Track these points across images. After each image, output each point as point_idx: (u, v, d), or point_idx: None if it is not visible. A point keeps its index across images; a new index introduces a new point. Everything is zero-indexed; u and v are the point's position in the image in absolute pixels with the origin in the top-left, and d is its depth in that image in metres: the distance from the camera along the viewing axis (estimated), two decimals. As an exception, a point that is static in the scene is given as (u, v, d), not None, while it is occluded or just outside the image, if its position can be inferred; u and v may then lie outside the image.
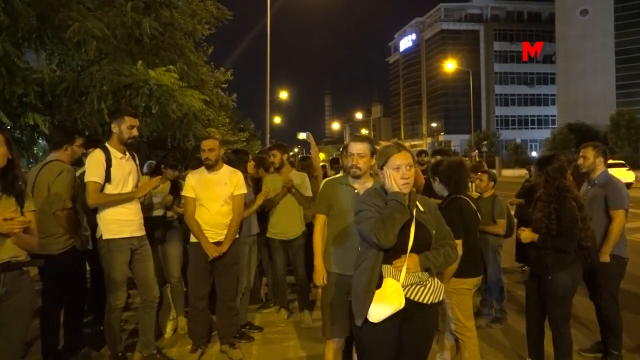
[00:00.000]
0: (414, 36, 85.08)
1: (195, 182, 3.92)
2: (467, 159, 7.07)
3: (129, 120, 3.62)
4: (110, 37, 5.92)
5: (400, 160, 2.35)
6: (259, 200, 4.54)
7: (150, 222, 4.38)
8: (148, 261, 3.76)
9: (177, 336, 4.54)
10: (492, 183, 4.89)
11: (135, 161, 3.81)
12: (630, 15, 53.63)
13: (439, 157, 4.98)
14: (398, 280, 2.29)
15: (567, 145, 42.40)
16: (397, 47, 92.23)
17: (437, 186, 3.64)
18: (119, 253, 3.56)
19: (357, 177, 3.06)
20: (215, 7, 9.69)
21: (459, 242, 3.23)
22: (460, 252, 3.22)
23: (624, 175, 23.80)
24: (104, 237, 3.55)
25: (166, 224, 4.50)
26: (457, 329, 3.38)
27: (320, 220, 3.24)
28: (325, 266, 3.18)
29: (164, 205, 4.45)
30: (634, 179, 24.54)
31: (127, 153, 3.72)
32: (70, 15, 5.65)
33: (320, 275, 3.16)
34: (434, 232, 2.44)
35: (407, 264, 2.30)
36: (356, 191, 3.07)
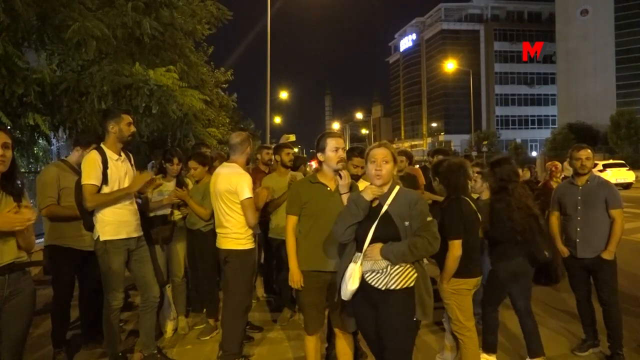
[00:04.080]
0: (414, 36, 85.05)
1: None
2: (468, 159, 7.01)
3: (126, 118, 3.63)
4: (110, 37, 5.93)
5: (377, 154, 2.71)
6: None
7: (155, 221, 4.40)
8: (146, 262, 3.76)
9: (177, 336, 4.55)
10: (486, 184, 4.84)
11: (130, 162, 3.79)
12: (630, 15, 53.62)
13: (439, 157, 4.99)
14: (357, 265, 2.64)
15: (568, 145, 42.23)
16: (397, 47, 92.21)
17: (438, 186, 3.63)
18: (115, 254, 3.55)
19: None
20: (215, 7, 9.71)
21: (458, 242, 3.24)
22: (459, 253, 3.24)
23: (624, 175, 23.83)
24: (101, 239, 3.54)
25: (171, 223, 4.51)
26: (457, 329, 3.38)
27: (292, 222, 3.20)
28: (300, 265, 3.16)
29: (170, 204, 4.46)
30: (634, 179, 24.53)
31: (123, 154, 3.70)
32: (71, 15, 5.65)
33: (297, 279, 3.13)
34: (406, 223, 2.61)
35: (367, 252, 2.63)
36: (328, 188, 3.13)
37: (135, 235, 3.66)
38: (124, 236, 3.58)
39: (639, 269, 6.68)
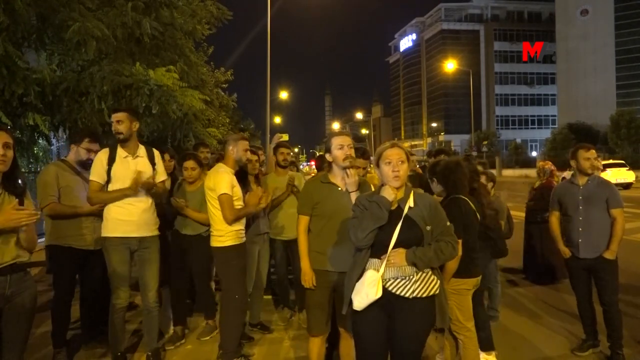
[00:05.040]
0: (414, 36, 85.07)
1: None
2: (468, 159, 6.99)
3: (113, 117, 3.69)
4: (110, 37, 5.93)
5: (392, 155, 2.55)
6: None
7: None
8: (147, 264, 3.73)
9: (177, 336, 4.54)
10: (491, 184, 4.88)
11: (152, 159, 3.76)
12: (630, 15, 53.62)
13: (441, 157, 4.99)
14: (378, 273, 2.45)
15: (567, 145, 42.33)
16: (397, 47, 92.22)
17: (436, 187, 3.63)
18: (113, 251, 3.59)
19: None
20: (215, 7, 9.71)
21: (458, 242, 3.23)
22: (459, 253, 3.23)
23: (624, 175, 23.82)
24: (102, 235, 3.63)
25: (167, 223, 4.49)
26: (457, 329, 3.37)
27: (303, 221, 3.20)
28: (311, 264, 3.15)
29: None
30: (634, 179, 24.53)
31: (142, 152, 3.72)
32: (71, 15, 5.65)
33: (309, 277, 3.14)
34: (428, 228, 2.51)
35: (390, 257, 2.46)
36: (339, 188, 3.11)
37: (135, 235, 3.63)
38: (120, 234, 3.58)
39: (639, 268, 6.68)
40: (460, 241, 3.22)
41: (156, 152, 3.84)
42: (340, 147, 3.06)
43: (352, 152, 3.11)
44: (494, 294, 4.81)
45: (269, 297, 5.59)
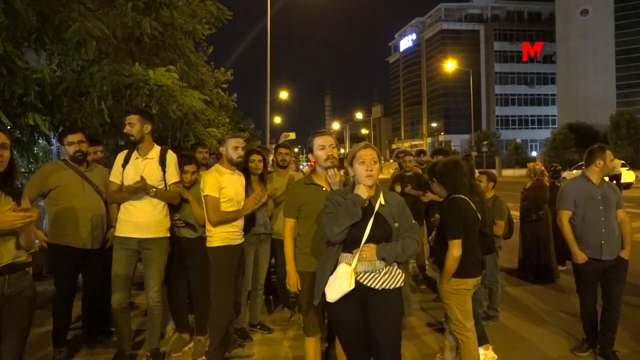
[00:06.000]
0: (414, 36, 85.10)
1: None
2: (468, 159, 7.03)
3: (126, 119, 3.76)
4: (110, 37, 5.93)
5: (365, 155, 2.65)
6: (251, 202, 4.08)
7: None
8: (148, 264, 3.75)
9: (177, 337, 4.53)
10: (492, 184, 4.90)
11: (163, 162, 3.74)
12: (630, 15, 53.63)
13: (439, 157, 4.99)
14: (351, 266, 2.57)
15: (567, 146, 42.42)
16: (397, 47, 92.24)
17: (436, 187, 3.63)
18: (115, 250, 3.71)
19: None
20: (215, 7, 9.72)
21: (458, 242, 3.24)
22: (459, 253, 3.24)
23: (624, 175, 23.82)
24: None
25: None
26: (457, 329, 3.37)
27: (289, 224, 3.20)
28: (300, 267, 3.15)
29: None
30: (634, 179, 24.56)
31: (154, 153, 3.74)
32: (71, 15, 5.65)
33: (293, 282, 3.15)
34: (396, 225, 2.66)
35: (362, 252, 2.57)
36: (324, 188, 3.11)
37: (134, 235, 3.65)
38: (122, 234, 3.68)
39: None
40: (460, 241, 3.24)
41: (170, 155, 3.81)
42: (322, 148, 3.06)
43: (335, 152, 3.10)
44: (494, 294, 4.82)
45: (269, 297, 5.58)
